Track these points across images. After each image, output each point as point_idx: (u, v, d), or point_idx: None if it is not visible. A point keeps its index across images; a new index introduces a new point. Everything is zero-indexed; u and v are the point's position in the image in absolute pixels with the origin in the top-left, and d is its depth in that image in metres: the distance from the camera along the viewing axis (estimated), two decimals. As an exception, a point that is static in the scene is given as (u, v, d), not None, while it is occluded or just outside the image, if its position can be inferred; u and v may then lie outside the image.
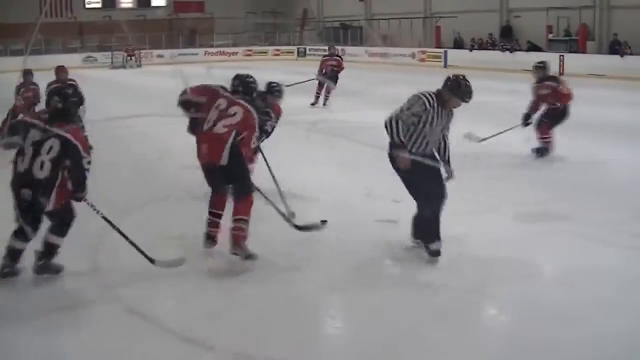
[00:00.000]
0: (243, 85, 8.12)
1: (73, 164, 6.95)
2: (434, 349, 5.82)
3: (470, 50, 39.54)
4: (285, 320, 6.34)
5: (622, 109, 20.77)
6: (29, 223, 7.05)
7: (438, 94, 7.48)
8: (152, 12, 53.45)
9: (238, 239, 7.63)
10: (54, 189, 6.92)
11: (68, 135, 6.94)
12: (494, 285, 7.05)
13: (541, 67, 13.35)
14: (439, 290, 6.98)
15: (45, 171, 6.85)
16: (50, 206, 6.97)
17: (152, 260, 7.27)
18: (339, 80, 22.00)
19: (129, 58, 44.08)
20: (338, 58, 22.89)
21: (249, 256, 7.66)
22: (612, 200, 10.12)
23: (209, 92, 7.92)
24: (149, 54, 45.81)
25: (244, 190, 7.81)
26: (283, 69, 36.85)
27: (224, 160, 7.62)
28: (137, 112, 19.12)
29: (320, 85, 21.81)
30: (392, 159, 7.47)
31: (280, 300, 6.78)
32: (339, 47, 46.14)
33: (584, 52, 34.62)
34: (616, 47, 32.54)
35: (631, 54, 31.16)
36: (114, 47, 45.79)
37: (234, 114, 7.72)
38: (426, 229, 7.64)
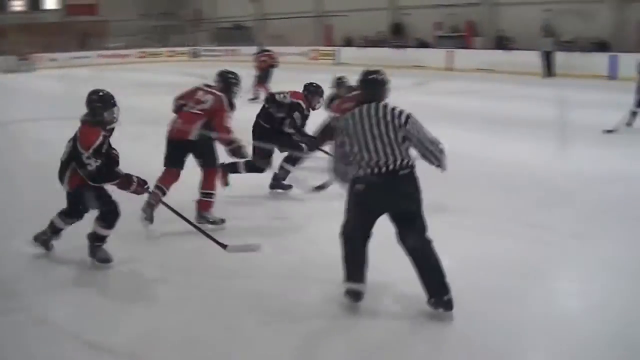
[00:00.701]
0: (222, 80, 8.95)
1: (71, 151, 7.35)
2: (356, 347, 5.78)
3: (362, 48, 39.97)
4: (206, 327, 6.14)
5: (510, 102, 21.51)
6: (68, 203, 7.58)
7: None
8: (45, 16, 52.61)
9: (204, 209, 8.80)
10: (67, 172, 7.31)
11: (78, 128, 7.34)
12: (397, 281, 6.78)
13: (342, 82, 12.09)
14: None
15: (64, 156, 7.35)
16: (67, 187, 7.41)
17: (224, 246, 7.53)
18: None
19: (21, 62, 43.18)
20: (269, 53, 23.45)
21: (214, 221, 8.78)
22: (505, 193, 10.30)
23: (187, 93, 8.98)
24: (41, 58, 45.00)
25: (210, 164, 8.86)
26: (177, 70, 36.78)
27: (193, 135, 8.55)
28: (30, 117, 18.96)
29: (260, 82, 22.40)
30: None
31: (202, 306, 6.59)
32: (233, 48, 46.56)
33: (472, 47, 35.65)
34: (503, 42, 33.60)
35: (517, 48, 32.15)
36: (6, 51, 44.74)
37: (206, 101, 8.71)
38: (439, 275, 6.11)
